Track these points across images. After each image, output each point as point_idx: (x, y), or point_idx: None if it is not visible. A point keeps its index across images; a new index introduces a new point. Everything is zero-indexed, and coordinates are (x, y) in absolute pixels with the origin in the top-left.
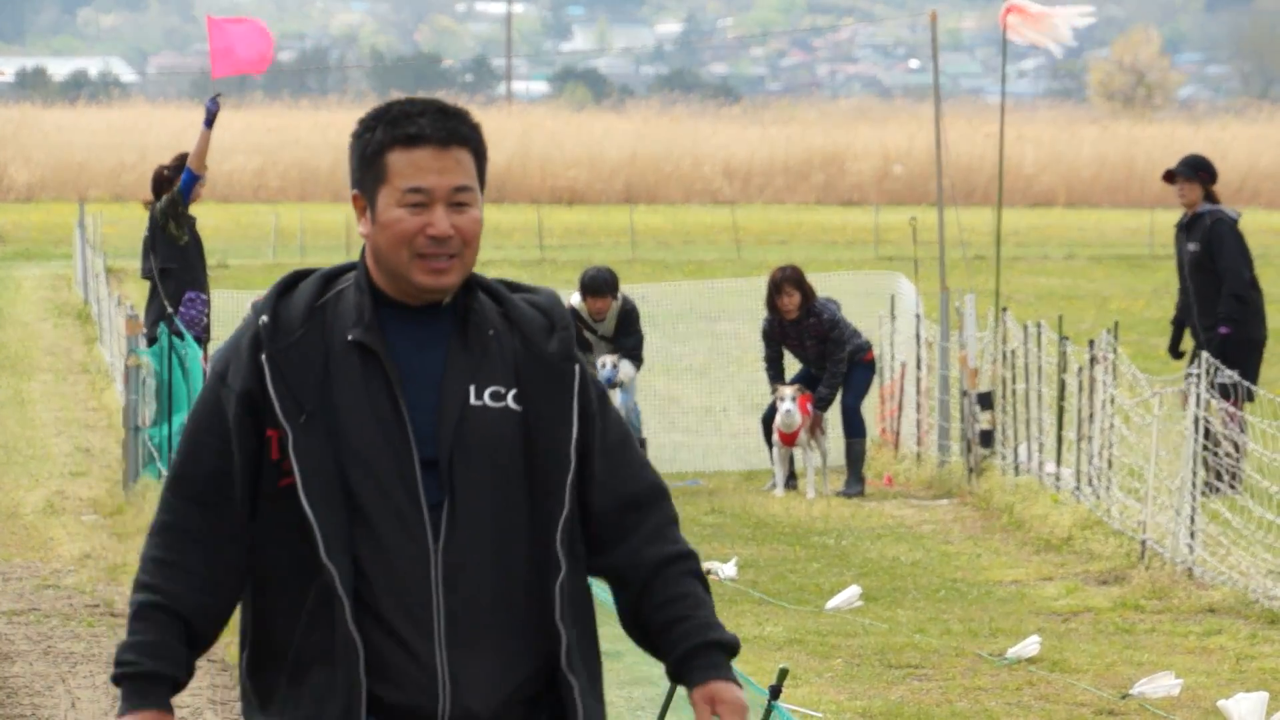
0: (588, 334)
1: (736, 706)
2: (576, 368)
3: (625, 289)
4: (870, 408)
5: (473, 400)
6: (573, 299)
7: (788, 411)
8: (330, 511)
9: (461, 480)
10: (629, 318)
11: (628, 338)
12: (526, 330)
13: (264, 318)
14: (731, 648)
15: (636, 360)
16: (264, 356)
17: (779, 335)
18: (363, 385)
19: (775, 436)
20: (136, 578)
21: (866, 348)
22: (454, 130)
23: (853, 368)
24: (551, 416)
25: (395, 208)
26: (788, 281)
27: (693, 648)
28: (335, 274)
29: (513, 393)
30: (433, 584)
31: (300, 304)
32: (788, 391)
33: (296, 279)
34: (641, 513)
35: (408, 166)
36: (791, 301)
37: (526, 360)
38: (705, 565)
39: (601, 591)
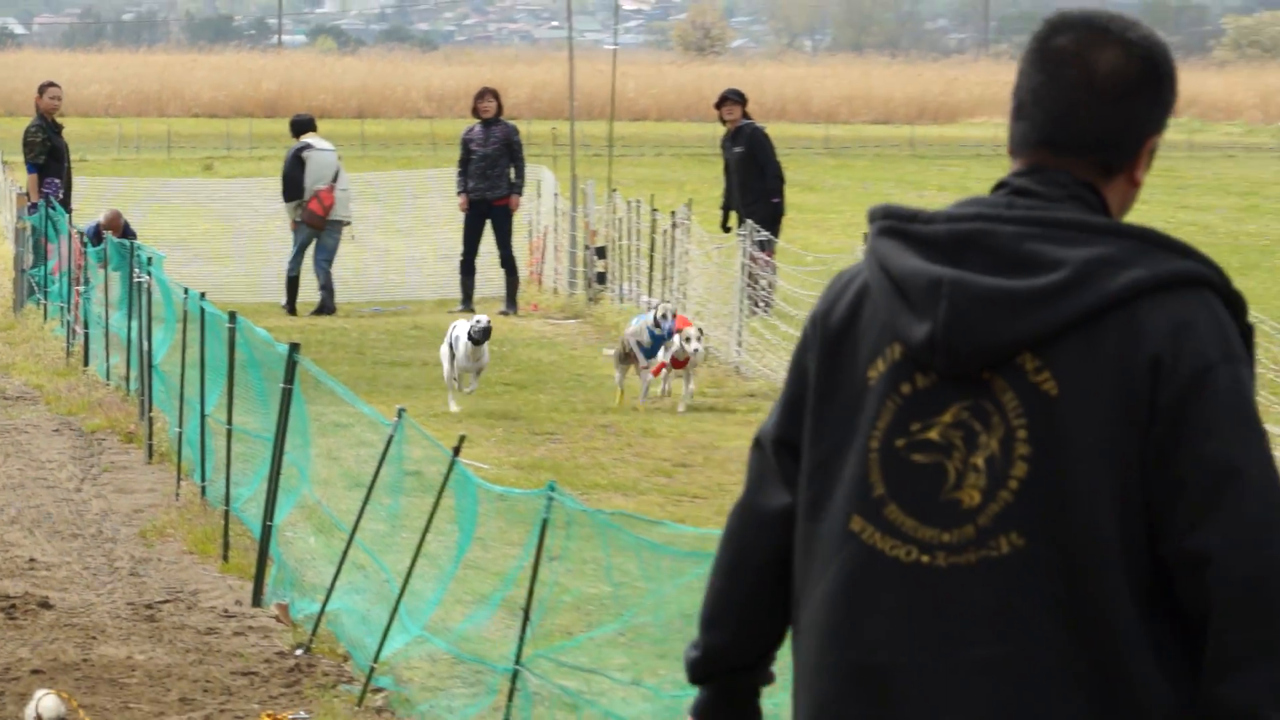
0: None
1: None
2: None
3: (355, 177)
4: (521, 256)
5: None
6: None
7: (687, 340)
8: None
9: None
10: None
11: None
12: None
13: None
14: None
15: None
16: None
17: (473, 139)
18: None
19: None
20: None
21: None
22: None
23: (502, 212)
24: None
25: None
26: (489, 93)
27: None
28: None
29: None
30: None
31: None
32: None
33: None
34: None
35: None
36: (488, 106)
37: None
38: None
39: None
